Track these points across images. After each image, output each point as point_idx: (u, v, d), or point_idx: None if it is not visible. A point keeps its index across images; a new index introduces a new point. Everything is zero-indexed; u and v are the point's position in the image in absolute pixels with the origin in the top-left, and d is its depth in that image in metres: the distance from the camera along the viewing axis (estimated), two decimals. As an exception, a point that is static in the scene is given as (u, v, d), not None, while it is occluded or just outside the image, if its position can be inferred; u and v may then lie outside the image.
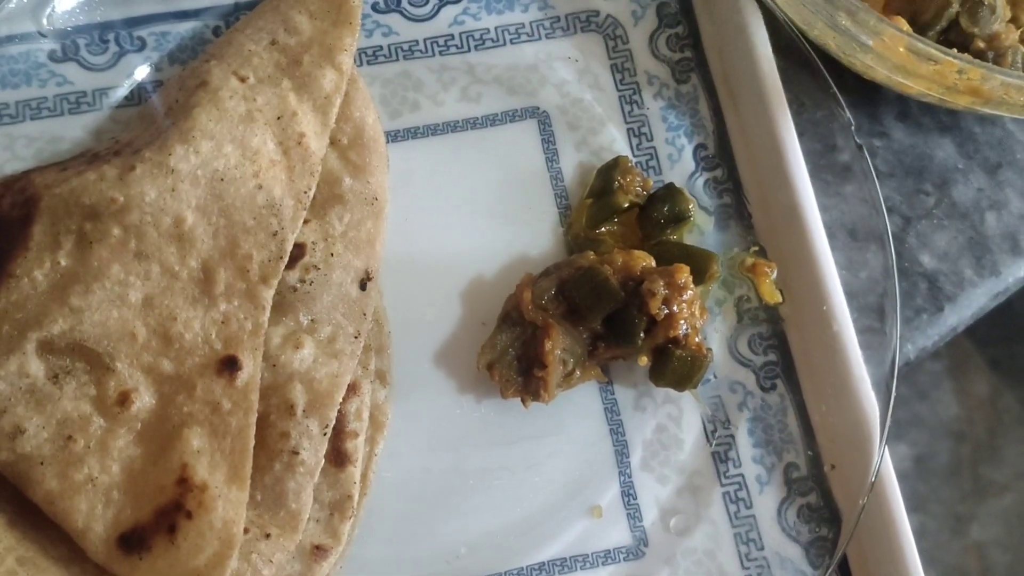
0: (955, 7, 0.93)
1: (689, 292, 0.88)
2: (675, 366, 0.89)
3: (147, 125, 0.88)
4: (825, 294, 0.91)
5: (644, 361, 0.90)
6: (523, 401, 0.90)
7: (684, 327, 0.87)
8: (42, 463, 0.76)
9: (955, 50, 0.85)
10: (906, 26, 0.89)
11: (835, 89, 0.93)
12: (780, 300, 0.93)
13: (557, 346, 0.88)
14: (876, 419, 0.88)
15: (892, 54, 0.86)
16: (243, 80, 0.86)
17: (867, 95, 1.06)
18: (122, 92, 0.98)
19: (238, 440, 0.78)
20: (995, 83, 0.83)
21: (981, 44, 0.95)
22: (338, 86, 0.88)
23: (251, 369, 0.80)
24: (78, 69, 0.99)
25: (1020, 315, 2.78)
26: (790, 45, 0.96)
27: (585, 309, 0.89)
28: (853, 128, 0.93)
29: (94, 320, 0.78)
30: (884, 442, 0.86)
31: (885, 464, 0.86)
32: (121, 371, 0.78)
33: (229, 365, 0.80)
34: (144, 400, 0.78)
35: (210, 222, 0.81)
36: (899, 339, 0.89)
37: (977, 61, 0.83)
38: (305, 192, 0.85)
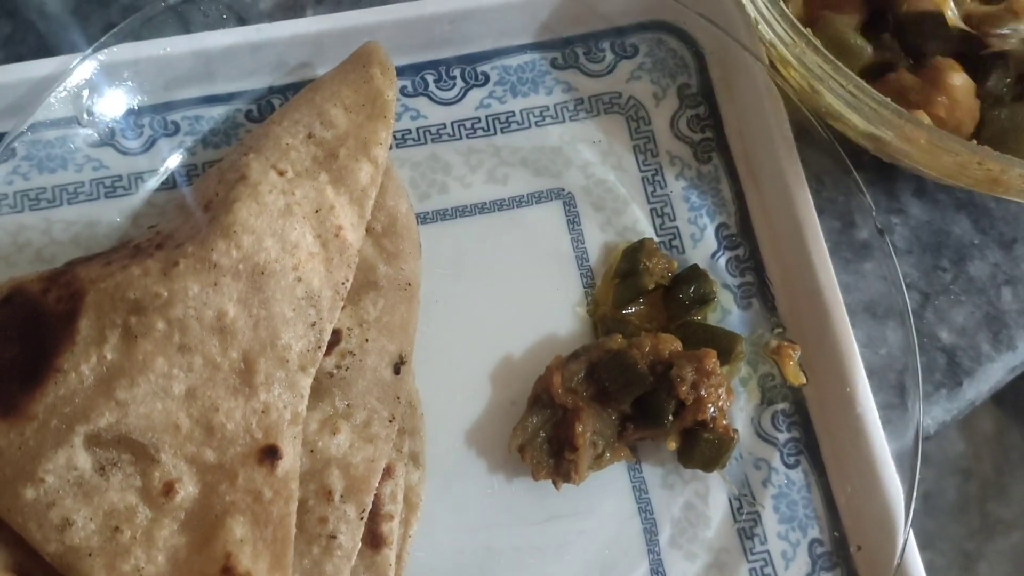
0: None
1: (716, 376, 0.90)
2: (703, 449, 0.91)
3: (187, 216, 0.90)
4: (848, 376, 0.93)
5: (672, 446, 0.92)
6: (555, 483, 0.92)
7: (712, 410, 0.90)
8: (90, 555, 0.77)
9: (974, 141, 0.88)
10: (927, 119, 0.91)
11: (855, 174, 0.96)
12: (804, 382, 0.95)
13: (588, 429, 0.90)
14: (900, 498, 0.89)
15: (911, 145, 0.88)
16: (281, 174, 0.88)
17: (884, 172, 1.08)
18: (158, 177, 1.01)
19: (280, 528, 0.80)
20: (1014, 174, 0.86)
21: None
22: (374, 179, 0.91)
23: (291, 457, 0.82)
24: (114, 154, 1.01)
25: (1025, 354, 2.80)
26: (809, 126, 0.98)
27: (615, 392, 0.91)
28: (874, 212, 0.95)
29: (139, 413, 0.80)
30: (909, 522, 0.88)
31: (910, 545, 0.88)
32: (165, 462, 0.80)
33: (270, 454, 0.82)
34: (188, 490, 0.80)
35: (251, 314, 0.84)
36: (922, 415, 0.91)
37: (996, 154, 0.85)
38: (343, 283, 0.87)
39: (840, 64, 0.86)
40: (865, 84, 0.86)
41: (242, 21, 1.03)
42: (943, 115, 0.92)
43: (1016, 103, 0.96)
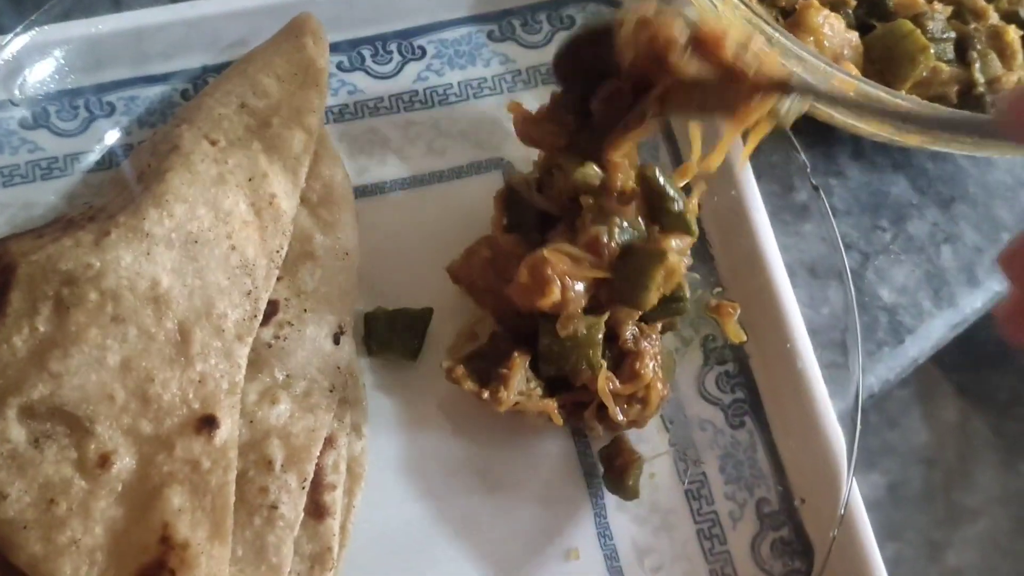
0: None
1: (656, 338, 0.91)
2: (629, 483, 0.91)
3: (120, 190, 0.90)
4: (788, 333, 0.94)
5: (595, 427, 0.92)
6: (478, 395, 0.89)
7: (652, 367, 0.89)
8: (25, 527, 0.76)
9: (903, 79, 0.90)
10: (855, 71, 0.92)
11: (789, 133, 0.96)
12: (744, 339, 0.95)
13: (524, 361, 0.90)
14: (843, 452, 0.90)
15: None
16: (214, 143, 0.88)
17: (822, 136, 1.09)
18: (93, 157, 1.00)
19: (218, 497, 0.79)
20: (941, 122, 0.87)
21: (981, 88, 1.01)
22: (307, 146, 0.90)
23: (229, 427, 0.82)
24: (49, 135, 1.00)
25: (985, 341, 2.82)
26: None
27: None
28: (809, 170, 0.96)
29: (73, 384, 0.79)
30: (852, 474, 0.88)
31: (854, 496, 0.89)
32: (101, 433, 0.79)
33: (207, 424, 0.81)
34: (124, 461, 0.79)
35: (185, 283, 0.83)
36: (862, 372, 0.91)
37: (923, 102, 0.87)
38: (278, 251, 0.87)
39: (768, 17, 0.87)
40: (794, 38, 0.87)
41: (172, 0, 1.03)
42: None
43: (888, 22, 1.00)
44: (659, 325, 0.92)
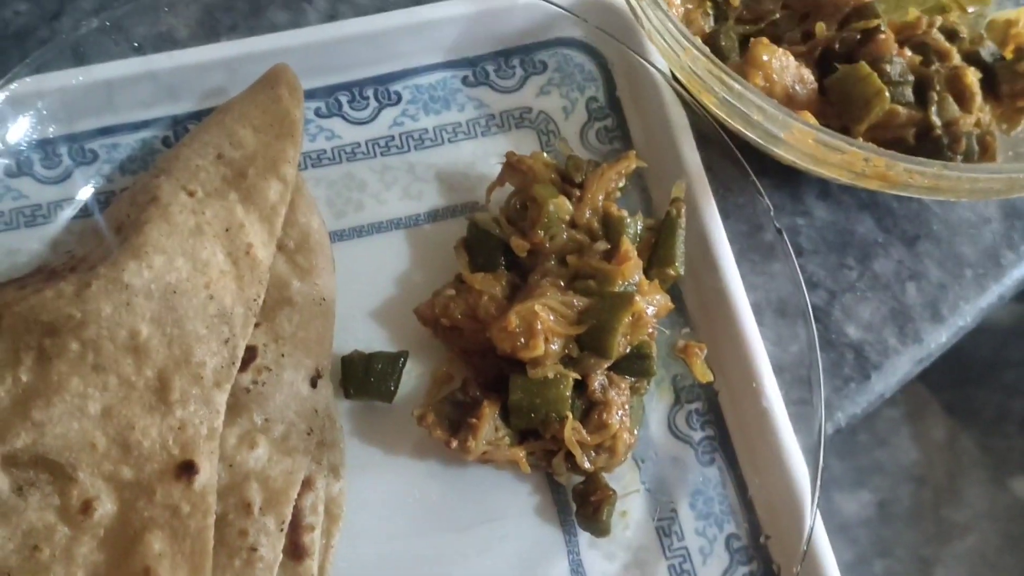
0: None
1: (624, 390, 0.94)
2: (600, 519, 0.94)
3: (100, 240, 0.92)
4: (754, 372, 0.96)
5: (561, 471, 0.95)
6: (448, 443, 0.92)
7: (619, 415, 0.92)
8: (9, 574, 0.78)
9: (860, 140, 0.92)
10: (813, 120, 0.95)
11: (754, 176, 0.99)
12: (711, 379, 0.97)
13: (494, 410, 0.92)
14: (807, 487, 0.92)
15: (803, 145, 0.92)
16: (191, 194, 0.90)
17: (789, 176, 1.11)
18: (76, 204, 1.02)
19: (198, 541, 0.82)
20: (899, 169, 0.89)
21: (939, 131, 1.03)
22: (283, 196, 0.93)
23: (208, 472, 0.84)
24: (33, 183, 1.03)
25: (972, 359, 2.86)
26: (712, 135, 1.02)
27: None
28: (772, 213, 0.98)
29: (55, 432, 0.81)
30: (815, 508, 0.90)
31: (818, 529, 0.91)
32: (83, 480, 0.81)
33: (187, 469, 0.83)
34: (106, 507, 0.81)
35: (164, 333, 0.85)
36: (825, 409, 0.94)
37: (881, 150, 0.89)
38: (255, 300, 0.89)
39: (729, 71, 0.90)
40: (753, 87, 0.89)
41: (157, 49, 1.05)
42: (766, 88, 0.99)
43: (846, 64, 1.03)
44: (628, 378, 0.95)
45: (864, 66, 1.00)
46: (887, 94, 0.99)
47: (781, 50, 1.01)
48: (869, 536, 2.83)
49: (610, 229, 0.97)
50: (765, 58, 0.98)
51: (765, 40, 1.00)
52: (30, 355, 0.83)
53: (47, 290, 0.85)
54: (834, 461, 2.88)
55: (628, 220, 0.97)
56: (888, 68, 1.01)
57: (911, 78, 1.02)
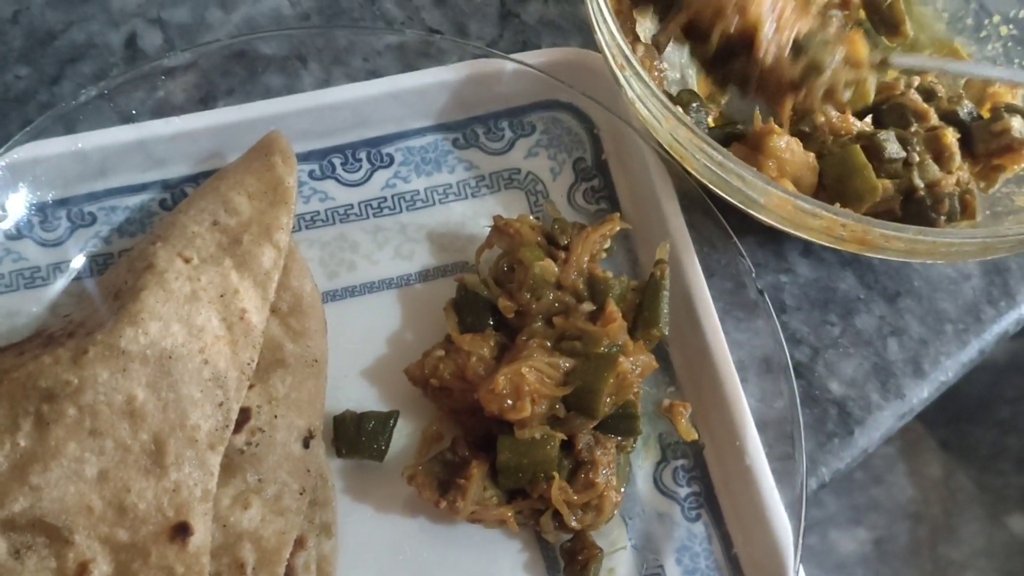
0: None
1: (610, 451, 0.96)
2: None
3: (98, 305, 0.94)
4: (737, 429, 0.98)
5: (549, 530, 0.97)
6: (437, 503, 0.94)
7: (605, 474, 0.94)
8: (6, 637, 0.80)
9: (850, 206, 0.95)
10: (792, 187, 0.98)
11: (735, 239, 1.01)
12: (696, 437, 0.99)
13: (483, 470, 0.94)
14: (790, 545, 0.94)
15: (782, 211, 0.94)
16: (187, 261, 0.93)
17: (772, 234, 1.14)
18: (75, 267, 1.05)
19: (191, 603, 0.84)
20: (876, 234, 0.92)
21: (922, 192, 1.05)
22: (276, 262, 0.95)
23: (202, 533, 0.86)
24: (32, 245, 1.05)
25: (966, 396, 2.88)
26: (697, 195, 1.04)
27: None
28: (753, 274, 1.01)
29: (53, 496, 0.83)
30: (797, 564, 0.92)
31: (800, 587, 0.93)
32: (79, 543, 0.83)
33: (181, 531, 0.85)
34: (102, 569, 0.83)
35: (160, 397, 0.87)
36: (808, 465, 0.96)
37: (858, 216, 0.92)
38: (248, 363, 0.92)
39: (708, 140, 0.92)
40: (733, 156, 0.92)
41: (155, 115, 1.08)
42: (776, 176, 0.99)
43: (843, 148, 1.05)
44: (614, 437, 0.97)
45: (858, 154, 1.02)
46: (880, 189, 1.02)
47: (793, 138, 1.04)
48: (866, 574, 2.83)
49: (595, 290, 1.00)
50: (780, 144, 1.01)
51: (775, 127, 1.02)
52: (28, 420, 0.85)
53: (45, 356, 0.87)
54: (830, 499, 2.89)
55: (613, 281, 1.00)
56: (886, 148, 1.03)
57: (903, 155, 1.05)
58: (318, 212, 1.09)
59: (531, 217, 1.05)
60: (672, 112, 0.94)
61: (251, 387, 0.94)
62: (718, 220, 1.02)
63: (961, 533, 2.94)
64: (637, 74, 0.95)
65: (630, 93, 1.00)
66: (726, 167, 0.93)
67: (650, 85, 0.94)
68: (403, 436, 1.01)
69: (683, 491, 1.02)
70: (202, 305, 0.91)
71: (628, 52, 0.96)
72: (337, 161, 1.12)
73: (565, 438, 0.94)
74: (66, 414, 0.85)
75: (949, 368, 1.14)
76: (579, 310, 0.98)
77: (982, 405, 3.02)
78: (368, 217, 1.10)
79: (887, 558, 2.89)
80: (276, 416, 0.94)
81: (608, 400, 0.94)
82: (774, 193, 0.92)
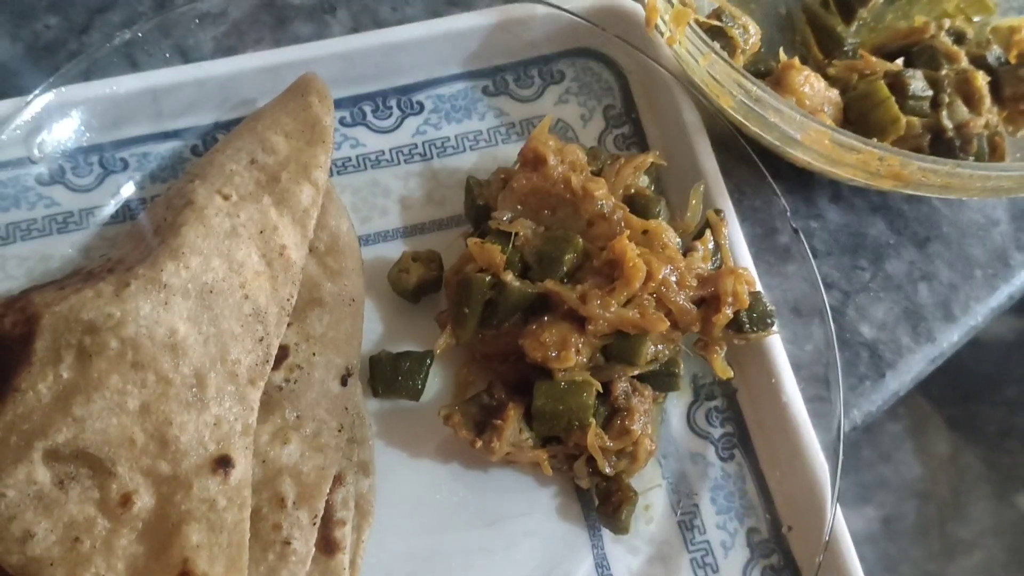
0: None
1: (648, 398, 0.96)
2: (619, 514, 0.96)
3: (136, 243, 0.94)
4: (773, 369, 0.98)
5: (584, 479, 0.97)
6: (472, 442, 0.94)
7: (640, 421, 0.94)
8: (52, 564, 0.80)
9: (875, 139, 0.95)
10: (829, 121, 0.98)
11: (770, 179, 1.01)
12: (731, 375, 0.99)
13: (519, 413, 0.95)
14: (827, 481, 0.94)
15: (819, 146, 0.95)
16: (227, 198, 0.93)
17: (802, 180, 1.14)
18: (108, 211, 1.05)
19: (234, 534, 0.84)
20: (913, 168, 0.92)
21: (950, 133, 1.06)
22: (315, 200, 0.96)
23: (243, 467, 0.86)
24: (65, 191, 1.05)
25: (974, 373, 2.87)
26: (728, 139, 1.04)
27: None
28: (789, 213, 1.01)
29: (95, 428, 0.83)
30: (835, 501, 0.92)
31: (838, 521, 0.93)
32: (122, 474, 0.83)
33: (223, 464, 0.85)
34: (144, 500, 0.83)
35: (201, 331, 0.88)
36: (844, 406, 0.96)
37: (894, 149, 0.92)
38: (288, 299, 0.92)
39: (747, 75, 0.92)
40: (772, 91, 0.92)
41: (185, 61, 1.08)
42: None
43: (867, 83, 1.06)
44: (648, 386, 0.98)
45: (882, 88, 1.03)
46: (903, 122, 1.02)
47: (813, 73, 1.04)
48: (875, 553, 2.83)
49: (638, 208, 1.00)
50: (799, 80, 1.01)
51: (796, 63, 1.03)
52: (70, 353, 0.85)
53: (86, 290, 0.87)
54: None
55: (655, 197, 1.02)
56: (911, 85, 1.04)
57: (929, 93, 1.05)
58: (350, 158, 1.10)
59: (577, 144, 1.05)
60: (711, 47, 0.94)
61: (289, 325, 0.94)
62: (753, 161, 1.02)
63: (969, 511, 2.94)
64: (674, 8, 0.95)
65: (666, 32, 1.00)
66: (764, 102, 0.93)
67: (689, 23, 0.94)
68: (435, 381, 1.02)
69: (716, 431, 1.02)
70: (242, 241, 0.91)
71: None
72: (368, 108, 1.12)
73: (600, 389, 0.94)
74: (108, 346, 0.85)
75: (979, 313, 1.14)
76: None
77: (990, 383, 3.01)
78: (399, 163, 1.10)
79: (895, 536, 2.89)
80: (314, 354, 0.94)
81: (652, 350, 0.94)
82: (812, 127, 0.92)
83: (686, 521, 0.99)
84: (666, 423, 1.01)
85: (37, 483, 0.82)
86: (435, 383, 1.01)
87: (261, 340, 0.90)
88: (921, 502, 2.91)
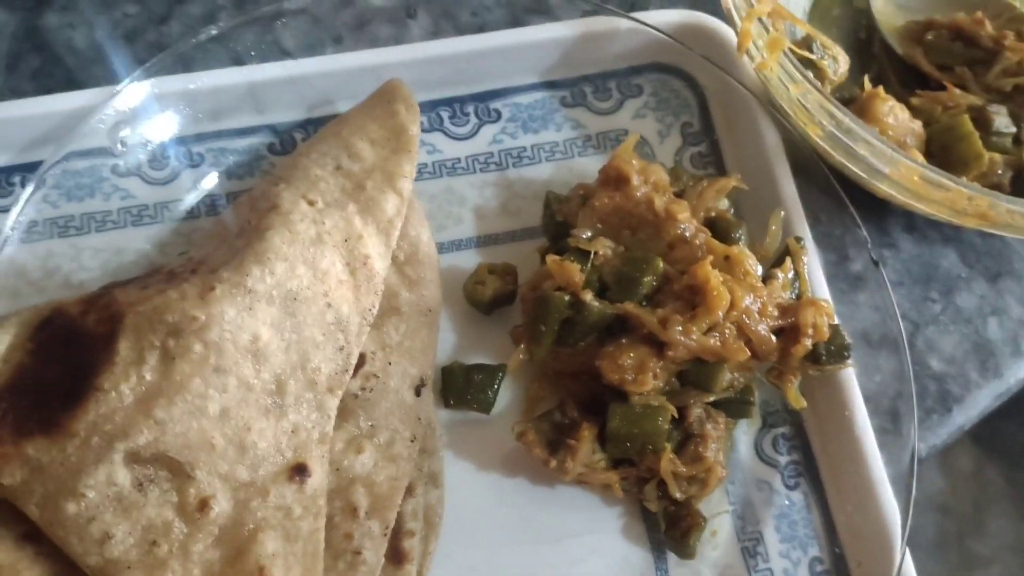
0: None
1: (721, 425, 0.97)
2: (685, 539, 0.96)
3: (218, 243, 0.94)
4: (845, 400, 0.98)
5: (653, 504, 0.97)
6: (546, 462, 0.94)
7: (713, 448, 0.94)
8: (129, 567, 0.80)
9: (964, 179, 0.94)
10: (920, 157, 0.97)
11: (852, 209, 1.01)
12: (804, 405, 0.99)
13: (593, 433, 0.94)
14: (895, 517, 0.94)
15: (907, 181, 0.94)
16: (312, 204, 0.93)
17: (875, 209, 1.13)
18: (183, 206, 1.05)
19: (309, 543, 0.84)
20: (1001, 209, 0.91)
21: None
22: (399, 210, 0.95)
23: (320, 475, 0.86)
24: (141, 183, 1.05)
25: (1000, 391, 2.86)
26: (805, 164, 1.04)
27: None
28: (869, 245, 1.00)
29: (176, 431, 0.83)
30: (905, 540, 0.92)
31: (906, 562, 0.93)
32: (200, 479, 0.83)
33: (299, 472, 0.85)
34: (222, 506, 0.83)
35: (283, 338, 0.87)
36: (916, 440, 0.95)
37: (985, 190, 0.91)
38: (369, 310, 0.92)
39: (839, 105, 0.92)
40: (864, 124, 0.91)
41: (265, 59, 1.07)
42: None
43: (950, 116, 1.05)
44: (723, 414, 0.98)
45: (966, 122, 1.02)
46: (986, 158, 1.02)
47: (898, 104, 1.03)
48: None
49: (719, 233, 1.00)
50: (885, 109, 1.01)
51: (881, 92, 1.02)
52: (154, 354, 0.85)
53: (171, 291, 0.87)
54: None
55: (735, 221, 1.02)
56: (995, 121, 1.03)
57: (1013, 129, 1.04)
58: (426, 164, 1.09)
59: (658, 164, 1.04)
60: (805, 77, 0.93)
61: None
62: (829, 187, 1.02)
63: (989, 527, 2.93)
64: (769, 35, 0.95)
65: (757, 57, 0.99)
66: (855, 134, 0.92)
67: (784, 51, 0.93)
68: (504, 394, 1.01)
69: (783, 459, 1.02)
70: (327, 248, 0.91)
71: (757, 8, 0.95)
72: (445, 114, 1.11)
73: (676, 414, 0.94)
74: (192, 350, 0.85)
75: (1047, 350, 1.13)
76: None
77: (1015, 401, 3.00)
78: (475, 172, 1.10)
79: (914, 549, 2.87)
80: (390, 363, 0.94)
81: (728, 377, 0.94)
82: (902, 163, 0.92)
83: (749, 548, 0.98)
84: (734, 449, 1.01)
85: (117, 485, 0.82)
86: (504, 396, 1.01)
87: (341, 349, 0.90)
88: (941, 516, 2.91)
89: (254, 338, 0.86)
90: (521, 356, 0.98)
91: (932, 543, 2.91)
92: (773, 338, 0.94)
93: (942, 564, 2.88)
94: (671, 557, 0.97)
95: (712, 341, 0.91)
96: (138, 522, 0.82)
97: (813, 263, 1.02)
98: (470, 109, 1.12)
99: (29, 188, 0.99)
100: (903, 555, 0.92)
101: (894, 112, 1.02)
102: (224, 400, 0.85)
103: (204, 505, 0.83)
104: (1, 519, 0.84)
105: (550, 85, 1.13)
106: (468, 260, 1.05)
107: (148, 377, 0.84)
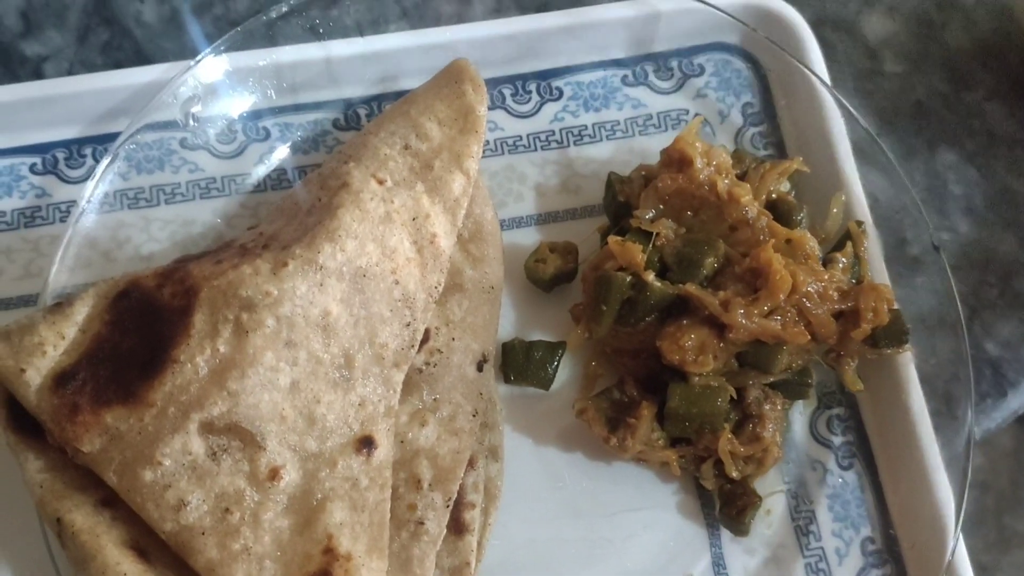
0: None
1: (778, 406, 0.98)
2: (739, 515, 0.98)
3: (288, 219, 0.96)
4: (902, 383, 0.99)
5: (709, 481, 0.99)
6: (606, 439, 0.96)
7: (771, 429, 0.95)
8: (203, 533, 0.83)
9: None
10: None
11: (913, 192, 1.01)
12: (861, 388, 1.00)
13: (652, 412, 0.96)
14: (949, 499, 0.95)
15: None
16: (381, 183, 0.94)
17: (935, 191, 1.13)
18: (250, 180, 1.07)
19: (376, 513, 0.86)
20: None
21: None
22: (466, 190, 0.97)
23: (386, 448, 0.88)
24: (208, 157, 1.07)
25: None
26: (864, 146, 1.05)
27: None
28: (931, 230, 1.01)
29: (248, 403, 0.85)
30: (960, 523, 0.93)
31: (960, 545, 0.94)
32: (271, 449, 0.86)
33: (366, 444, 0.88)
34: (291, 476, 0.86)
35: (352, 313, 0.89)
36: (973, 424, 0.96)
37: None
38: (435, 287, 0.93)
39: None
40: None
41: (328, 35, 1.09)
42: None
43: None
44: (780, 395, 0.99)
45: None
46: None
47: None
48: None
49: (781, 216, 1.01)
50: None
51: None
52: (227, 328, 0.87)
53: (244, 266, 0.89)
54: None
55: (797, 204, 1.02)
56: None
57: None
58: (488, 142, 1.10)
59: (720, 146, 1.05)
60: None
61: (429, 309, 0.96)
62: (896, 173, 1.02)
63: (1028, 505, 2.91)
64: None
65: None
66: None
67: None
68: (563, 371, 1.03)
69: (837, 440, 1.03)
70: (395, 227, 0.93)
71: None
72: (507, 91, 1.12)
73: (734, 395, 0.96)
74: (264, 324, 0.87)
75: (1105, 337, 1.13)
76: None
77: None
78: (536, 149, 1.11)
79: (950, 523, 2.88)
80: (453, 339, 0.96)
81: (786, 358, 0.95)
82: None
83: (802, 526, 1.00)
84: (789, 429, 1.02)
85: (192, 454, 0.84)
86: (563, 373, 1.03)
87: (408, 325, 0.92)
88: (980, 492, 2.89)
89: (324, 313, 0.88)
90: (581, 334, 0.99)
91: (969, 519, 2.87)
92: (833, 322, 0.95)
93: (979, 540, 2.86)
94: (724, 533, 0.99)
95: (773, 324, 0.92)
96: (211, 490, 0.84)
97: (874, 247, 1.03)
98: (532, 87, 1.13)
99: (105, 160, 1.01)
100: (957, 538, 0.93)
101: None
102: (295, 373, 0.87)
103: (275, 474, 0.85)
104: (80, 485, 0.87)
105: (612, 63, 1.14)
106: (528, 237, 1.07)
107: (222, 350, 0.87)
